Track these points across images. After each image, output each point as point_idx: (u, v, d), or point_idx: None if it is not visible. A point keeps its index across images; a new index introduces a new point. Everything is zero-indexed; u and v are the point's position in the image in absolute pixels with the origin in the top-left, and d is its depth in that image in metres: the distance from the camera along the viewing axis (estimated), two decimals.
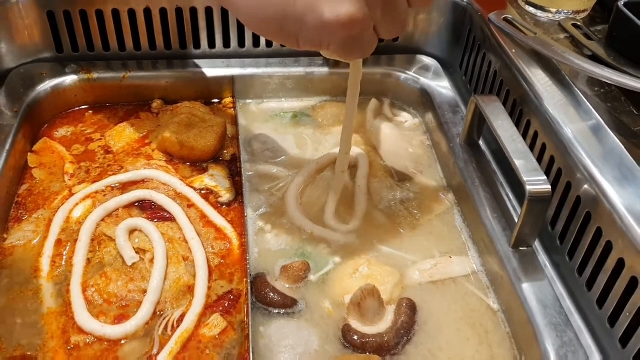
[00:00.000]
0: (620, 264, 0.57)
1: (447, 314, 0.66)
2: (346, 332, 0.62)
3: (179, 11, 0.90)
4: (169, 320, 0.63)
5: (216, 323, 0.63)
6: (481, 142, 0.81)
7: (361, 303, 0.63)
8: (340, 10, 0.52)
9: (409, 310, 0.64)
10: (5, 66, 0.89)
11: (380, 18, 0.55)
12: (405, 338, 0.62)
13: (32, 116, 0.84)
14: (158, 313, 0.64)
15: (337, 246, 0.72)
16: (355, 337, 0.61)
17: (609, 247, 0.58)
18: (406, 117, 0.94)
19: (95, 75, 0.90)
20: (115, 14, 0.89)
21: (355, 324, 0.63)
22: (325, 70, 0.94)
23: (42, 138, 0.85)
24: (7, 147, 0.76)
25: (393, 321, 0.63)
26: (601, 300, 0.60)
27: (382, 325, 0.63)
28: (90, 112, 0.91)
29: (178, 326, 0.63)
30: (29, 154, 0.82)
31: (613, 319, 0.58)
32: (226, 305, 0.65)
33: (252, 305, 0.64)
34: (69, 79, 0.89)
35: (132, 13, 0.89)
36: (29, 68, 0.89)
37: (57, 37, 0.90)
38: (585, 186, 0.61)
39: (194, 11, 0.90)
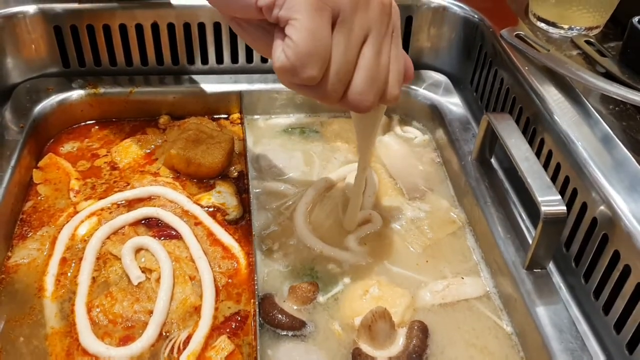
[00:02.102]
0: (639, 289, 0.55)
1: (460, 337, 0.64)
2: (356, 355, 0.61)
3: (186, 26, 0.89)
4: (175, 342, 0.62)
5: (223, 345, 0.61)
6: (493, 160, 0.79)
7: (372, 326, 0.61)
8: (277, 56, 0.48)
9: (421, 334, 0.62)
10: (11, 81, 0.88)
11: (340, 77, 0.49)
12: None
13: (38, 131, 0.84)
14: (164, 334, 0.63)
15: (347, 266, 0.71)
16: None
17: (627, 271, 0.57)
18: (416, 134, 0.93)
19: (101, 90, 0.89)
20: (123, 28, 0.88)
21: (366, 348, 0.62)
22: None
23: (48, 154, 0.84)
24: (13, 162, 0.75)
25: (404, 345, 0.62)
26: (619, 325, 0.58)
27: (393, 349, 0.62)
28: (97, 127, 0.90)
29: (184, 348, 0.61)
30: (34, 169, 0.81)
31: (632, 345, 0.56)
32: (233, 326, 0.64)
33: (260, 327, 0.63)
34: (75, 94, 0.88)
35: (139, 28, 0.89)
36: (35, 83, 0.89)
37: (64, 51, 0.90)
38: (602, 207, 0.60)
39: (201, 26, 0.90)
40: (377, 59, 0.50)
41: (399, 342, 0.63)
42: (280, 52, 0.47)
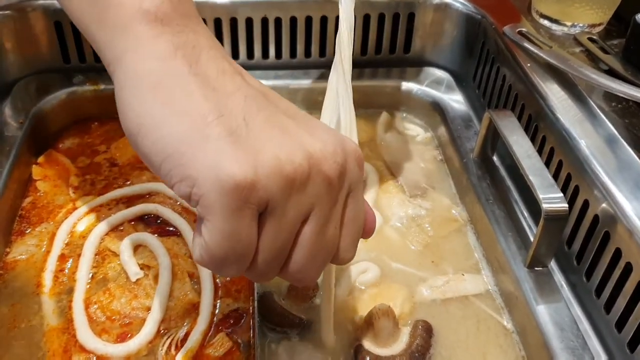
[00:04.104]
0: None
1: (460, 335, 0.64)
2: (358, 352, 0.60)
3: None
4: (173, 339, 0.62)
5: (221, 343, 0.61)
6: (495, 158, 0.79)
7: (375, 323, 0.61)
8: (194, 250, 0.43)
9: (425, 333, 0.62)
10: (11, 77, 0.88)
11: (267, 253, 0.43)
12: None
13: (38, 127, 0.83)
14: (162, 331, 0.62)
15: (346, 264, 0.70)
16: (368, 359, 0.59)
17: (628, 269, 0.56)
18: (418, 131, 0.92)
19: (102, 86, 0.89)
20: None
21: (368, 345, 0.61)
22: None
23: (47, 150, 0.83)
24: (12, 158, 0.75)
25: (408, 343, 0.61)
26: (620, 324, 0.58)
27: (396, 347, 0.61)
28: (96, 123, 0.89)
29: (182, 345, 0.61)
30: (34, 165, 0.80)
31: (633, 343, 0.56)
32: (232, 323, 0.63)
33: (259, 324, 0.62)
34: (76, 90, 0.88)
35: None
36: (35, 79, 0.88)
37: (64, 47, 0.89)
38: (603, 205, 0.59)
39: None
40: (320, 235, 0.44)
41: (403, 341, 0.62)
42: (197, 248, 0.42)
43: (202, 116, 0.40)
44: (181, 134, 0.40)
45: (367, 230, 0.50)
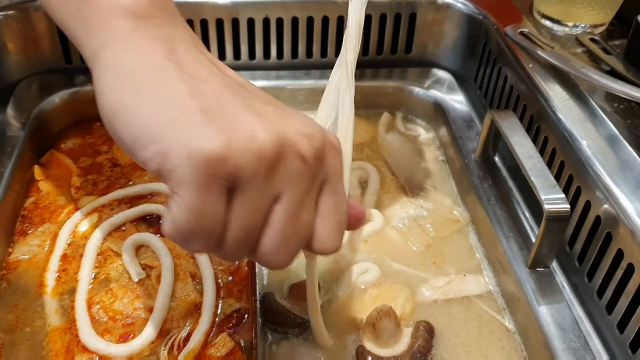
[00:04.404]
0: None
1: (462, 336, 0.64)
2: (360, 353, 0.60)
3: (189, 22, 0.89)
4: (175, 339, 0.62)
5: (224, 343, 0.61)
6: (496, 158, 0.79)
7: (376, 324, 0.61)
8: (164, 224, 0.42)
9: (427, 334, 0.62)
10: (13, 77, 0.88)
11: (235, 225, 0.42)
12: None
13: (40, 128, 0.83)
14: (164, 332, 0.62)
15: (347, 263, 0.70)
16: (369, 359, 0.60)
17: (630, 270, 0.56)
18: (419, 131, 0.92)
19: None
20: None
21: (370, 345, 0.61)
22: None
23: (49, 150, 0.83)
24: (14, 159, 0.75)
25: (409, 344, 0.61)
26: (622, 325, 0.58)
27: (397, 347, 0.61)
28: (98, 124, 0.89)
29: (184, 345, 0.61)
30: (36, 166, 0.80)
31: (635, 344, 0.56)
32: (234, 324, 0.63)
33: (261, 324, 0.62)
34: (78, 91, 0.88)
35: None
36: (37, 79, 0.88)
37: (66, 48, 0.89)
38: (605, 206, 0.60)
39: (204, 23, 0.89)
40: (292, 218, 0.43)
41: (404, 341, 0.62)
42: (166, 222, 0.41)
43: (176, 97, 0.41)
44: (154, 114, 0.40)
45: (352, 223, 0.49)
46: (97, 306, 0.64)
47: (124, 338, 0.62)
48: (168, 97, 0.41)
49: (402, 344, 0.62)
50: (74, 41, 0.49)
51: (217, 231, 0.41)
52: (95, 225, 0.73)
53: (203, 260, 0.68)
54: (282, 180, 0.42)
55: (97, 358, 0.60)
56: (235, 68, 0.93)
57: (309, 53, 0.94)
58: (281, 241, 0.43)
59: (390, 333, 0.62)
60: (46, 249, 0.70)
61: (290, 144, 0.41)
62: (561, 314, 0.60)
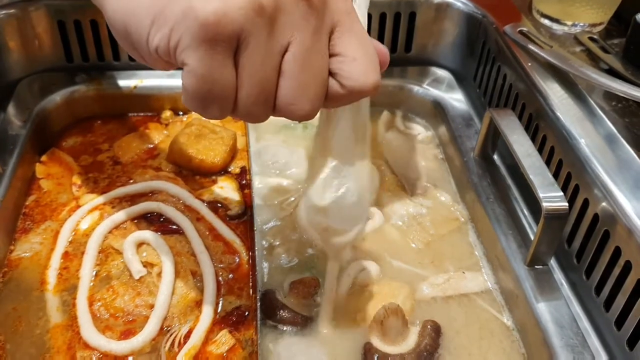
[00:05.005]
0: None
1: (461, 333, 0.64)
2: (367, 350, 0.61)
3: None
4: (175, 336, 0.62)
5: (224, 340, 0.62)
6: (495, 156, 0.79)
7: (384, 322, 0.61)
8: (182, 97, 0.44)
9: (434, 333, 0.62)
10: (14, 76, 0.88)
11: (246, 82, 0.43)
12: None
13: (41, 126, 0.84)
14: (165, 329, 0.63)
15: (346, 261, 0.70)
16: (376, 357, 0.60)
17: (628, 267, 0.57)
18: (419, 130, 0.93)
19: (104, 85, 0.89)
20: None
21: (377, 343, 0.61)
22: None
23: (51, 148, 0.84)
24: (15, 157, 0.76)
25: (416, 342, 0.62)
26: (620, 322, 0.58)
27: (404, 346, 0.62)
28: (99, 122, 0.90)
29: (185, 342, 0.61)
30: (37, 164, 0.81)
31: (632, 341, 0.56)
32: (234, 321, 0.64)
33: (261, 322, 0.63)
34: (79, 89, 0.89)
35: None
36: (38, 78, 0.89)
37: (67, 46, 0.90)
38: (603, 204, 0.60)
39: None
40: (305, 62, 0.43)
41: (411, 340, 0.63)
42: (183, 94, 0.43)
43: None
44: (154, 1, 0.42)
45: (382, 61, 0.48)
46: (99, 303, 0.64)
47: (125, 335, 0.62)
48: None
49: (409, 342, 0.62)
50: None
51: (230, 92, 0.42)
52: (96, 223, 0.73)
53: (204, 258, 0.69)
54: (287, 29, 0.42)
55: (99, 355, 0.60)
56: None
57: None
58: (298, 87, 0.43)
59: (398, 331, 0.62)
60: (48, 246, 0.71)
61: None
62: (559, 311, 0.61)
